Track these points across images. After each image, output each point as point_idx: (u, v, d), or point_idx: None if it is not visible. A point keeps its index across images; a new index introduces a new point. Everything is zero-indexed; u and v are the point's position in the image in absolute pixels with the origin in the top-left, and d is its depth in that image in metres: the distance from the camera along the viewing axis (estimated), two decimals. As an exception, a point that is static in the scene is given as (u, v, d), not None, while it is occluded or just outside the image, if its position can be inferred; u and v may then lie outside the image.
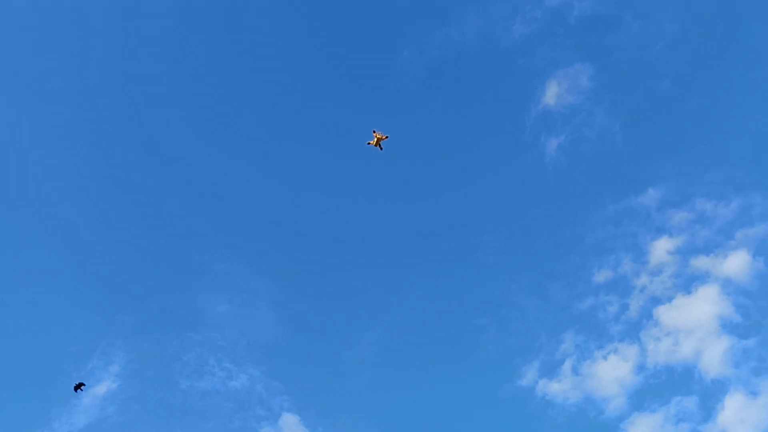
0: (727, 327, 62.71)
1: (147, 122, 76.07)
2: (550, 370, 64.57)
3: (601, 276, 67.82)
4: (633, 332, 64.81)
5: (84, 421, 61.42)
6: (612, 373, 63.12)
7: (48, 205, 72.67)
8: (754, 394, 59.36)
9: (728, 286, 63.88)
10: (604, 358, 64.13)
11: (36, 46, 74.72)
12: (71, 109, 75.29)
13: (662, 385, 62.19)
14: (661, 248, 67.06)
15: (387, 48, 78.72)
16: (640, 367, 63.06)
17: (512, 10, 76.39)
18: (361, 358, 67.49)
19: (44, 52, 74.78)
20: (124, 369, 64.81)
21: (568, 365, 64.39)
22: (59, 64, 75.27)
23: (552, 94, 74.34)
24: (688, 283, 65.23)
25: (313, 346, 69.12)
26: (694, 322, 63.10)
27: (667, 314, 64.29)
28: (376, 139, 53.28)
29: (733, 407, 59.06)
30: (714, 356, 61.56)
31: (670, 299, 64.99)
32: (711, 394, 60.59)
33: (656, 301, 65.37)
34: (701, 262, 65.60)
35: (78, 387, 55.76)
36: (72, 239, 72.00)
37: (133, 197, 74.60)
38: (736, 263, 64.13)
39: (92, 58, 76.14)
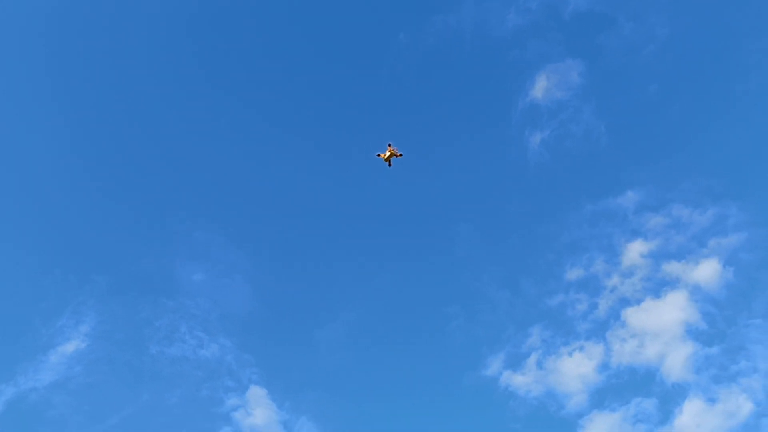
0: (692, 333, 63.55)
1: (130, 88, 75.78)
2: (515, 363, 65.37)
3: (573, 274, 68.45)
4: (600, 331, 65.57)
5: (50, 379, 61.85)
6: (576, 369, 63.94)
7: (32, 166, 72.46)
8: (712, 401, 60.34)
9: (697, 293, 64.64)
10: (570, 354, 64.94)
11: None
12: (50, 72, 74.48)
13: (624, 385, 63.03)
14: (635, 251, 67.67)
15: (384, 29, 78.58)
16: (604, 366, 63.89)
17: (508, -1, 76.02)
18: (333, 338, 68.23)
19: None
20: (94, 329, 64.95)
21: (533, 359, 65.19)
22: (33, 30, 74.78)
23: (540, 87, 74.36)
24: (658, 287, 66.00)
25: (286, 322, 69.67)
26: (660, 326, 63.85)
27: (635, 316, 65.10)
28: (388, 153, 49.55)
29: (691, 412, 60.02)
30: (677, 361, 62.40)
31: (639, 302, 65.78)
32: (670, 398, 61.44)
33: (625, 302, 66.12)
34: (673, 268, 66.25)
35: None
36: (52, 197, 72.06)
37: (117, 162, 74.68)
38: (707, 271, 64.85)
39: (70, 28, 75.85)
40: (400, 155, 49.60)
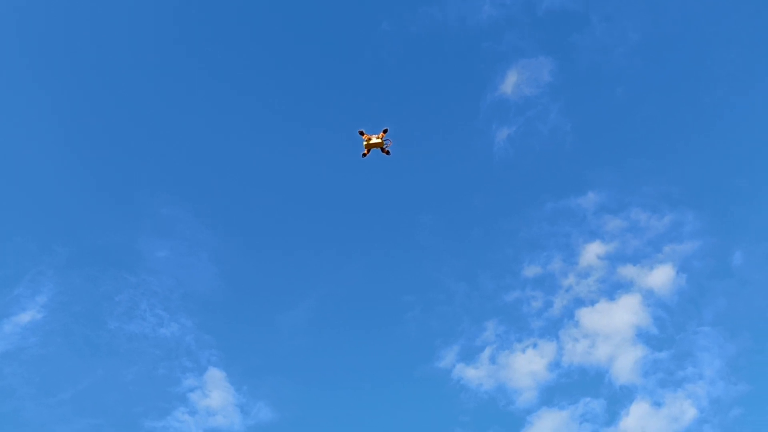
0: (643, 337, 64.33)
1: (98, 59, 74.56)
2: (469, 356, 65.83)
3: (531, 271, 69.00)
4: (553, 330, 66.21)
5: (2, 348, 61.17)
6: (527, 366, 64.63)
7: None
8: (658, 405, 61.21)
9: (650, 297, 65.41)
10: (523, 351, 65.61)
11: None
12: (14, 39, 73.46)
13: (573, 384, 63.73)
14: (592, 252, 68.35)
15: (369, 17, 77.91)
16: (555, 365, 64.59)
17: (485, -10, 75.69)
18: (295, 324, 68.31)
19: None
20: (51, 300, 64.18)
21: (486, 353, 65.76)
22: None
23: (510, 83, 74.17)
24: (612, 289, 66.70)
25: (249, 305, 69.49)
26: (612, 328, 64.69)
27: (588, 317, 65.88)
28: (375, 140, 42.09)
29: (636, 415, 60.81)
30: (626, 364, 63.25)
31: (593, 303, 66.48)
32: (618, 400, 62.21)
33: (580, 302, 66.76)
34: (628, 271, 67.02)
35: None
36: (17, 163, 71.11)
37: (86, 132, 73.73)
38: (661, 277, 65.66)
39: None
40: (387, 153, 44.03)
